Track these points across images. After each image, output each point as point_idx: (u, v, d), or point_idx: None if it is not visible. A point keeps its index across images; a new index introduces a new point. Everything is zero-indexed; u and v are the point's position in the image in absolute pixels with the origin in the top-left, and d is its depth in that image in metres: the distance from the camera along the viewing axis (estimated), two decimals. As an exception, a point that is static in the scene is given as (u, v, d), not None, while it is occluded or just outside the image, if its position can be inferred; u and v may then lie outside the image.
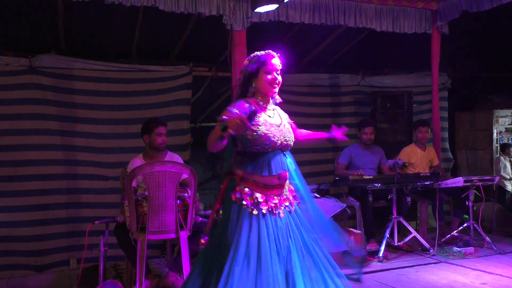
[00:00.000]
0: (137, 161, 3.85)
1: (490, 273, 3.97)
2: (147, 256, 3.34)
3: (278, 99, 2.55)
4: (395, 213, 4.70)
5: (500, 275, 3.89)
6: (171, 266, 3.80)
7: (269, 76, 2.42)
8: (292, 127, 2.59)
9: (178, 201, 3.41)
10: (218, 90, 6.94)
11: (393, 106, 6.19)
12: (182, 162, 3.91)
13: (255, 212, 2.28)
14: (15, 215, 4.64)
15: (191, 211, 3.41)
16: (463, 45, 6.87)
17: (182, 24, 5.32)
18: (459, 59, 6.99)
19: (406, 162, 5.10)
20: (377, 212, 4.99)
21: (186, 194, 3.56)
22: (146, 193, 3.31)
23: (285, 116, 2.59)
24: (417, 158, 5.25)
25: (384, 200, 4.98)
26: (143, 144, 4.03)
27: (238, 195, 2.33)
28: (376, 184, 4.57)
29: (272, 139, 2.36)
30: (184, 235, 3.35)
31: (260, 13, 4.76)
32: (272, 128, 2.38)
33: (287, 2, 4.68)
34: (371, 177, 4.74)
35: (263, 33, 5.66)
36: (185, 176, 3.51)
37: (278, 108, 2.59)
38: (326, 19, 5.07)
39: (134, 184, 3.64)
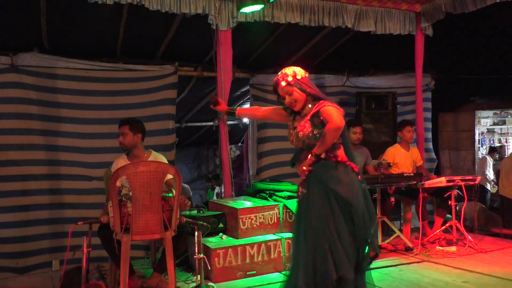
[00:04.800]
0: (121, 161, 3.82)
1: (471, 271, 4.02)
2: (131, 257, 3.31)
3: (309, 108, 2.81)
4: (379, 213, 4.75)
5: (481, 273, 3.95)
6: (155, 267, 3.77)
7: (285, 102, 2.84)
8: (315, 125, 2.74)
9: (162, 201, 3.38)
10: (203, 90, 6.93)
11: (378, 106, 6.26)
12: (167, 163, 3.87)
13: None
14: (-4, 216, 4.57)
15: (176, 211, 3.38)
16: (446, 47, 6.97)
17: (167, 24, 5.29)
18: (443, 61, 7.08)
19: (390, 163, 5.14)
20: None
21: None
22: (131, 193, 3.28)
23: (310, 118, 2.77)
24: (401, 158, 5.29)
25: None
26: (127, 145, 3.99)
27: None
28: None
29: (290, 139, 2.87)
30: (168, 235, 3.33)
31: (245, 13, 4.76)
32: (291, 131, 2.87)
33: (272, 2, 4.69)
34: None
35: (249, 33, 5.67)
36: (169, 176, 3.48)
37: (313, 111, 2.77)
38: (311, 20, 5.10)
39: (118, 184, 3.61)
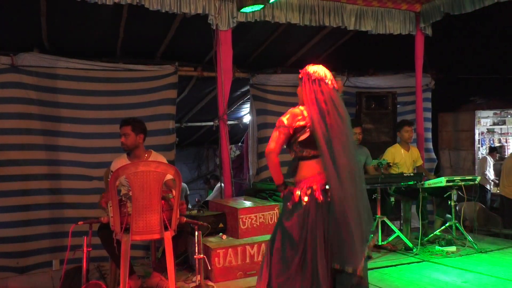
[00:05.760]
0: (122, 160, 3.82)
1: (471, 271, 4.03)
2: (131, 257, 3.31)
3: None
4: (379, 213, 4.75)
5: (481, 273, 3.96)
6: (155, 267, 3.77)
7: None
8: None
9: (162, 201, 3.39)
10: (203, 90, 6.93)
11: (378, 106, 6.26)
12: (166, 162, 3.87)
13: None
14: (-4, 216, 4.57)
15: (176, 211, 3.39)
16: (446, 47, 6.96)
17: (167, 23, 5.29)
18: (443, 61, 7.08)
19: (390, 162, 5.15)
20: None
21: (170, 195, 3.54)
22: (131, 193, 3.28)
23: None
24: (401, 158, 5.30)
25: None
26: (127, 145, 3.99)
27: None
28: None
29: None
30: (168, 235, 3.33)
31: (245, 12, 4.76)
32: None
33: (272, 2, 4.69)
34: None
35: (249, 33, 5.67)
36: (169, 176, 3.49)
37: None
38: (312, 19, 5.10)
39: (119, 183, 3.61)
